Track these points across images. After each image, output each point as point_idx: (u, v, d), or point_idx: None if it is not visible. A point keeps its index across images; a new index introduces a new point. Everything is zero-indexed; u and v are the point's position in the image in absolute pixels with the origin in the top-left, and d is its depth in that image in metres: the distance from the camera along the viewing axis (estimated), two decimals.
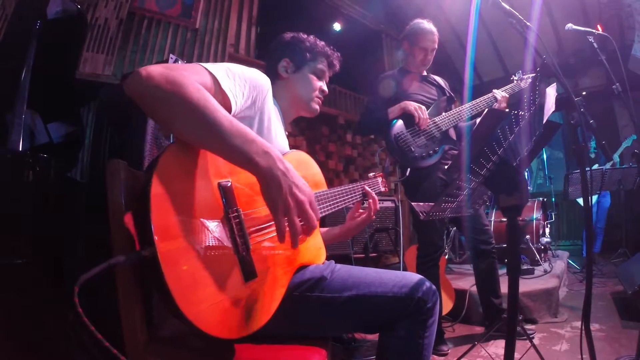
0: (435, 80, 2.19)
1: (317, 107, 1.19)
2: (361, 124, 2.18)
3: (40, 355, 1.27)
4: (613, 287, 2.96)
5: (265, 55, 1.24)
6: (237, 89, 0.82)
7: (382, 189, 1.33)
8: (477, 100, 2.05)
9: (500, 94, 2.03)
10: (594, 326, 2.14)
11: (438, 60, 2.18)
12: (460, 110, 2.01)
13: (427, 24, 2.08)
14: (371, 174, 1.33)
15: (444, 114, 2.01)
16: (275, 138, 0.99)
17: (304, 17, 4.03)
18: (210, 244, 0.65)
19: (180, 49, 2.92)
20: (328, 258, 1.06)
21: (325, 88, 1.19)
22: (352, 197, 1.15)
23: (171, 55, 1.93)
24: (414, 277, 0.94)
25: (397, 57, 2.26)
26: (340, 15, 4.46)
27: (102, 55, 2.47)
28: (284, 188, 0.67)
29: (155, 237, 0.57)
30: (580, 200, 3.80)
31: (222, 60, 3.05)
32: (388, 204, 3.05)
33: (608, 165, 3.45)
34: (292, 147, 1.13)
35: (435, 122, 1.98)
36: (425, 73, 2.18)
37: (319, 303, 0.88)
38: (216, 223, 0.68)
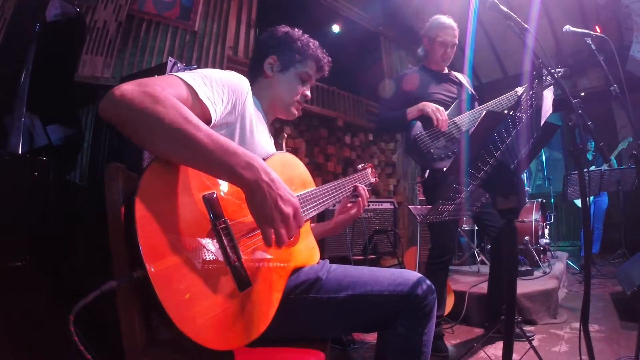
0: (457, 78, 2.13)
1: (296, 112, 1.14)
2: (378, 122, 2.14)
3: (39, 356, 1.27)
4: (612, 287, 2.96)
5: (254, 47, 1.19)
6: (216, 95, 0.80)
7: (372, 180, 1.31)
8: (500, 98, 1.96)
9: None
10: (593, 327, 2.14)
11: None
12: (481, 110, 1.93)
13: (446, 19, 2.04)
14: (360, 166, 1.32)
15: (464, 113, 1.95)
16: (258, 141, 0.96)
17: (303, 19, 4.02)
18: (201, 258, 0.65)
19: (179, 52, 2.92)
20: (326, 260, 1.06)
21: (308, 93, 1.13)
22: (341, 192, 1.14)
23: (170, 58, 1.94)
24: (410, 274, 0.94)
25: (415, 54, 2.21)
26: (339, 17, 4.46)
27: (101, 57, 2.48)
28: (269, 201, 0.66)
29: (145, 259, 0.57)
30: (579, 202, 3.81)
31: (221, 63, 3.06)
32: (387, 205, 3.04)
33: (605, 167, 3.46)
34: (290, 149, 1.13)
35: (455, 123, 1.92)
36: (446, 70, 2.13)
37: (316, 304, 0.88)
38: (205, 236, 0.67)
